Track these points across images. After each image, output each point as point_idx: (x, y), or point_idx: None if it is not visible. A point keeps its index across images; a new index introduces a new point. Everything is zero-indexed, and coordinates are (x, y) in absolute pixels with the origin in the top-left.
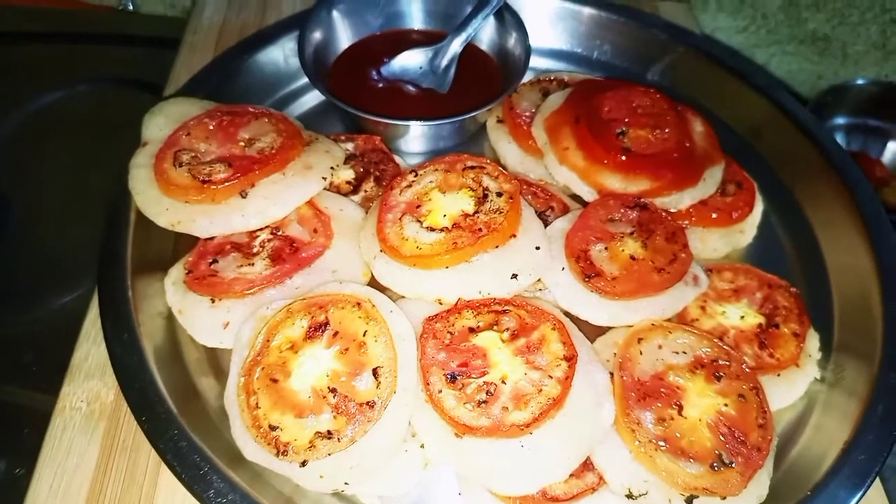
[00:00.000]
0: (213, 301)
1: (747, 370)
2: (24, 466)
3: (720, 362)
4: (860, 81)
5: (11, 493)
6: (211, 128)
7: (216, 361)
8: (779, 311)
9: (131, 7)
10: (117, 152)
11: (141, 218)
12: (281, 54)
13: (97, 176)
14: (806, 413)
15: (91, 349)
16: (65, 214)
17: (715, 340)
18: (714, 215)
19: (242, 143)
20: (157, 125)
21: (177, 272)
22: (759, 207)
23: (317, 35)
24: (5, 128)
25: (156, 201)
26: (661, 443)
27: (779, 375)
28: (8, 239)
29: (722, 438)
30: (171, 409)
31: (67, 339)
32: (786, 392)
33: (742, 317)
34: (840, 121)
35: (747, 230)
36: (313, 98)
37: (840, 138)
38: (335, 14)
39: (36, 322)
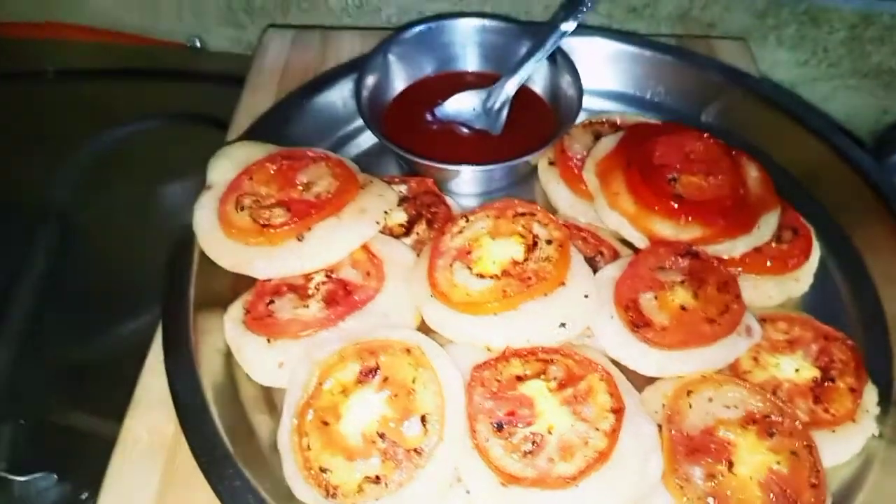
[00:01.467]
0: (269, 341)
1: (800, 427)
2: (88, 491)
3: (773, 418)
4: None
5: None
6: (272, 172)
7: (270, 398)
8: (835, 364)
9: (199, 44)
10: (183, 188)
11: (203, 257)
12: (339, 97)
13: (164, 210)
14: (863, 471)
15: (153, 381)
16: (132, 247)
17: (767, 395)
18: (769, 263)
19: (301, 187)
20: (222, 169)
21: (235, 310)
22: (815, 255)
23: (372, 78)
24: (77, 163)
25: (218, 243)
26: (710, 500)
27: (834, 431)
28: (78, 269)
29: (773, 498)
30: (229, 449)
31: (131, 368)
32: (841, 449)
33: (797, 370)
34: None
35: (803, 278)
36: (370, 139)
37: None
38: (391, 58)
39: (103, 352)
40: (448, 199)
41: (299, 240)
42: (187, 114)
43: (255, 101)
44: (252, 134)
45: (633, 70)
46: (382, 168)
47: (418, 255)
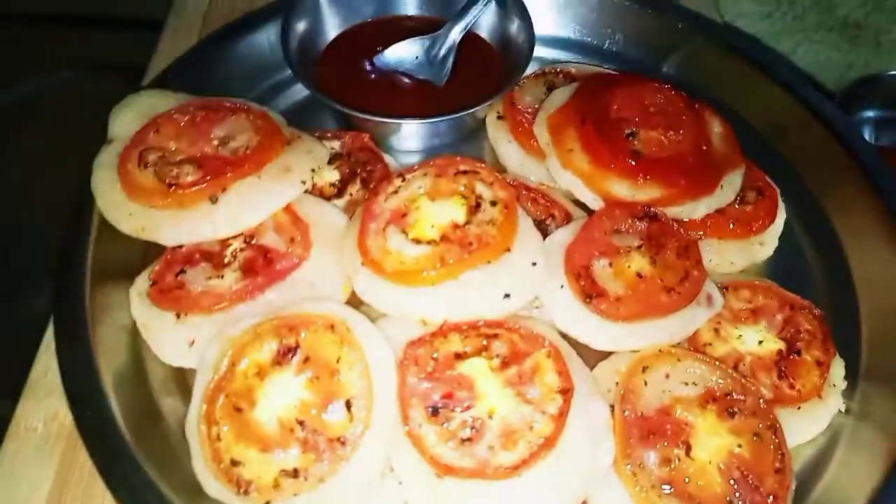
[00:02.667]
0: (178, 316)
1: (764, 406)
2: None
3: (734, 396)
4: (894, 73)
5: None
6: (182, 124)
7: (183, 380)
8: (801, 335)
9: None
10: (93, 146)
11: (106, 222)
12: (267, 42)
13: (74, 170)
14: (829, 449)
15: (51, 362)
16: (38, 210)
17: (729, 371)
18: (732, 226)
19: (216, 142)
20: (125, 121)
21: (142, 282)
22: (781, 217)
23: (303, 23)
24: None
25: (119, 205)
26: (666, 487)
27: (799, 408)
28: None
29: (733, 484)
30: (126, 439)
31: (30, 346)
32: (806, 426)
33: (760, 341)
34: (870, 114)
35: (768, 242)
36: (301, 90)
37: (869, 132)
38: (323, 0)
39: (3, 324)
40: (386, 157)
41: (213, 201)
42: (104, 64)
43: (173, 47)
44: (164, 82)
45: (590, 16)
46: (316, 122)
47: (351, 219)
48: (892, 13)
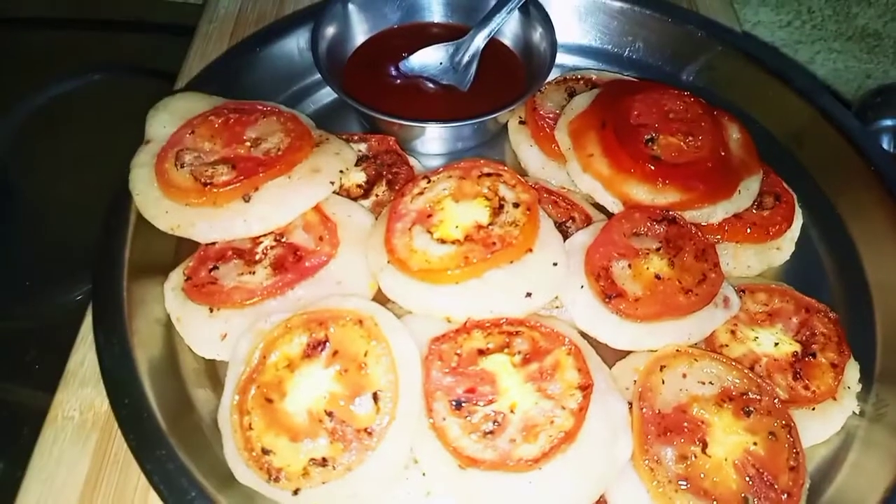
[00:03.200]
0: (211, 311)
1: (779, 405)
2: (23, 469)
3: (750, 395)
4: None
5: (9, 496)
6: (216, 126)
7: (214, 372)
8: (816, 338)
9: None
10: (128, 146)
11: (142, 219)
12: (296, 48)
13: (109, 169)
14: (843, 450)
15: (88, 354)
16: (74, 208)
17: (745, 370)
18: (749, 230)
19: (249, 143)
20: (161, 122)
21: (177, 277)
22: (797, 222)
23: (331, 29)
24: (17, 116)
25: (156, 203)
26: (682, 483)
27: (814, 409)
28: (16, 230)
29: (749, 481)
30: (161, 427)
31: (71, 338)
32: (821, 427)
33: (776, 344)
34: (888, 122)
35: (784, 247)
36: (329, 94)
37: (887, 141)
38: (351, 7)
39: (40, 318)
40: (411, 159)
41: (245, 200)
42: (137, 67)
43: (205, 51)
44: (198, 85)
45: (611, 24)
46: (342, 125)
47: (376, 220)
48: None
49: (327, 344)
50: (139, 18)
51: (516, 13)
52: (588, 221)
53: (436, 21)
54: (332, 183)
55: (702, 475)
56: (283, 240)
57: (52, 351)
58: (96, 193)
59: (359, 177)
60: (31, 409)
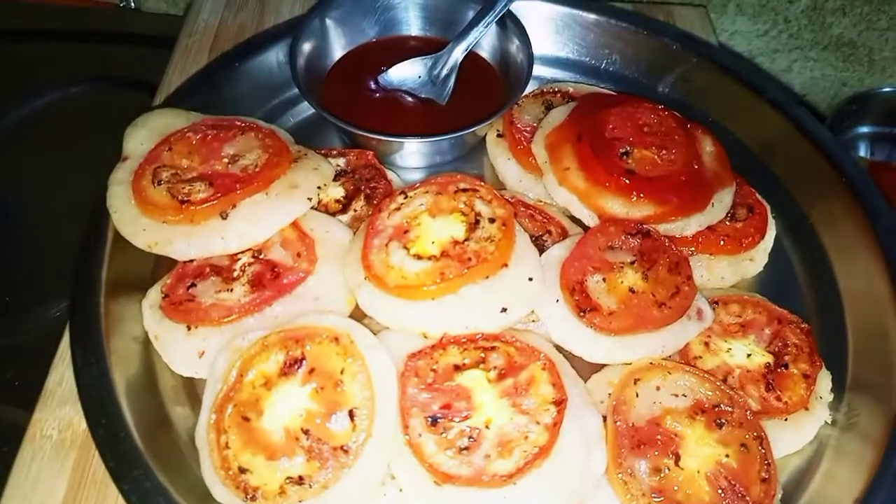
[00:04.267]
0: (189, 328)
1: (751, 417)
2: (1, 487)
3: (722, 408)
4: (887, 89)
5: None
6: (194, 143)
7: (193, 390)
8: (788, 349)
9: (133, 5)
10: (108, 160)
11: (119, 237)
12: (275, 62)
13: (88, 185)
14: (815, 459)
15: (66, 373)
16: (58, 223)
17: (717, 383)
18: (722, 242)
19: (226, 160)
20: (139, 139)
21: (155, 295)
22: (771, 233)
23: (309, 44)
24: (1, 128)
25: (133, 221)
26: (656, 496)
27: (786, 420)
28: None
29: (721, 493)
30: (139, 446)
31: (51, 355)
32: (793, 437)
33: (749, 355)
34: (864, 130)
35: (758, 258)
36: (308, 108)
37: (864, 148)
38: (329, 21)
39: (21, 334)
40: (389, 174)
41: (223, 217)
42: (121, 78)
43: (185, 65)
44: (176, 100)
45: (587, 37)
46: (322, 140)
47: (354, 235)
48: (884, 32)
49: (304, 361)
50: (120, 29)
51: (493, 26)
52: (564, 235)
53: (414, 34)
54: (310, 199)
55: (675, 488)
56: (261, 256)
57: (31, 367)
58: (75, 209)
59: (337, 192)
60: (10, 426)
